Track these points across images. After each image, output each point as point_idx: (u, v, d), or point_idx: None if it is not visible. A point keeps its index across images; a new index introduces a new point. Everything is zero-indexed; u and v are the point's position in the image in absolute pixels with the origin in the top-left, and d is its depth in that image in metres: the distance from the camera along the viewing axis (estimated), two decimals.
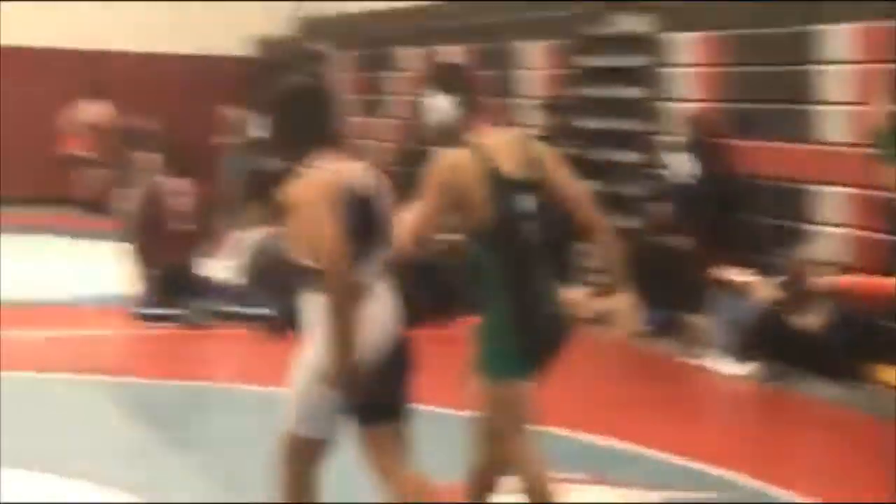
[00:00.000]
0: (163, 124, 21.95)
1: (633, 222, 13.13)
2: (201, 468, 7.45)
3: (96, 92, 22.10)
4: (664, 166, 12.90)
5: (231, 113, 21.16)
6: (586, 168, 14.71)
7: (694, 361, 11.21)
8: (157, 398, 9.33)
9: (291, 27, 23.25)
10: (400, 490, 5.07)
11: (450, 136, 5.48)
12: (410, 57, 19.04)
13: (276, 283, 11.47)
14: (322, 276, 4.81)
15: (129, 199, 12.86)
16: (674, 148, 12.80)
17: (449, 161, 5.35)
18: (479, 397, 5.46)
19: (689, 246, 12.03)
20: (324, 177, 4.93)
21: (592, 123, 14.87)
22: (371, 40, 20.05)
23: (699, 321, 11.68)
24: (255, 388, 9.50)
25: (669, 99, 13.71)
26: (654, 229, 12.70)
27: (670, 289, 12.11)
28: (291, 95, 5.18)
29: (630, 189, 14.08)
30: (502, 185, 5.33)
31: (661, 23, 13.97)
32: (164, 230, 12.22)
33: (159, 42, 22.70)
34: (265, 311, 11.84)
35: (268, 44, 23.72)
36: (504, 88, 16.42)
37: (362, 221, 4.93)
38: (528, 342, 5.38)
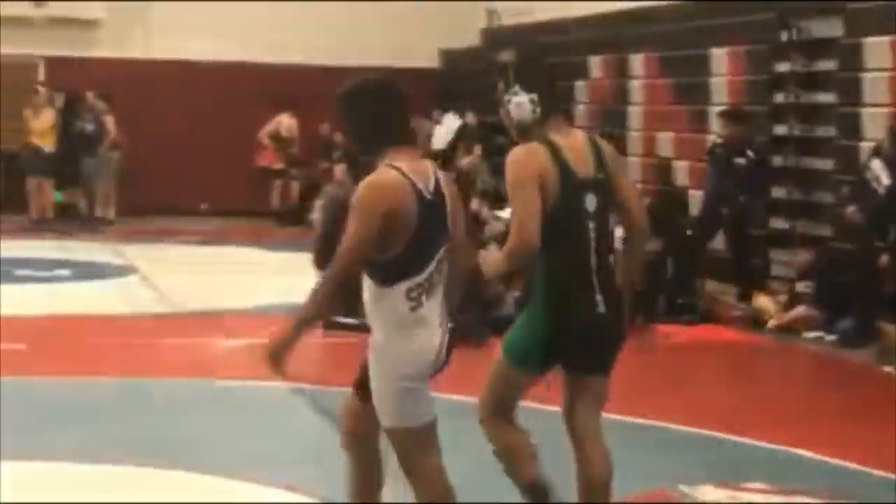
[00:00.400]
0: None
1: (824, 230, 12.90)
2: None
3: (290, 105, 22.53)
4: (859, 173, 12.65)
5: (417, 124, 21.34)
6: (777, 174, 14.61)
7: (890, 369, 10.98)
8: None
9: (479, 38, 23.38)
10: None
11: (527, 131, 5.62)
12: (600, 65, 19.00)
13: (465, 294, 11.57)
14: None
15: (320, 210, 13.05)
16: (869, 154, 12.54)
17: (526, 156, 5.50)
18: (493, 366, 5.71)
19: (884, 253, 11.79)
20: (381, 178, 5.06)
21: (783, 129, 14.67)
22: (559, 49, 20.03)
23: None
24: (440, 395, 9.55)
25: (863, 105, 13.44)
26: (846, 236, 12.47)
27: (865, 297, 11.90)
28: (361, 94, 5.30)
29: (822, 196, 13.84)
30: (570, 182, 5.49)
31: (853, 26, 13.71)
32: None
33: (348, 56, 23.01)
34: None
35: (453, 55, 23.89)
36: (695, 95, 16.29)
37: (421, 221, 5.03)
38: (556, 339, 5.52)
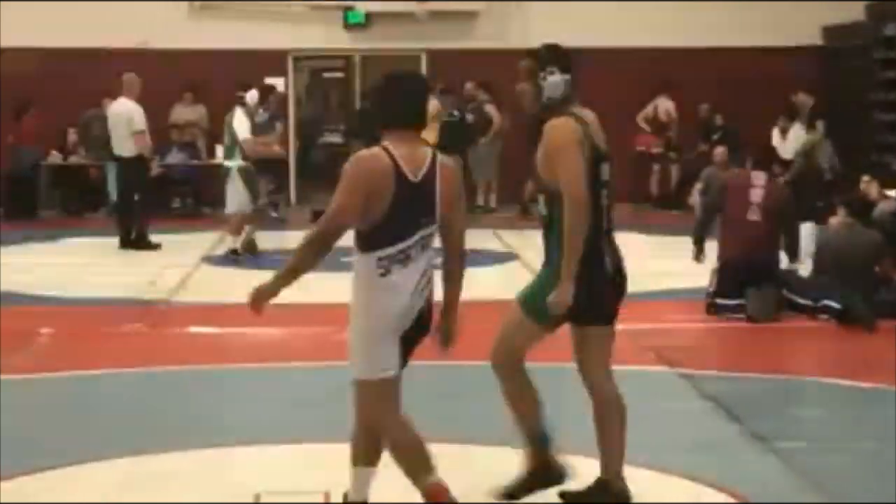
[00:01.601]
0: (731, 118, 22.07)
1: None
2: (784, 464, 7.33)
3: (667, 88, 22.41)
4: None
5: (800, 101, 20.91)
6: None
7: None
8: (736, 390, 9.26)
9: (863, 13, 22.64)
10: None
11: (553, 108, 6.37)
12: None
13: (851, 277, 11.27)
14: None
15: (701, 192, 12.92)
16: None
17: (570, 125, 6.27)
18: (513, 313, 6.38)
19: None
20: (365, 156, 5.75)
21: None
22: None
23: None
24: (838, 381, 9.34)
25: None
26: None
27: None
28: (382, 84, 5.98)
29: None
30: (594, 154, 6.26)
31: None
32: (734, 222, 12.14)
33: (727, 36, 22.70)
34: (835, 303, 11.63)
35: (836, 32, 23.20)
36: None
37: (403, 201, 5.70)
38: (575, 297, 6.16)
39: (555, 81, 6.40)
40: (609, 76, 22.44)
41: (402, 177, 5.72)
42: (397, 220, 5.73)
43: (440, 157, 5.87)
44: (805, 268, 12.69)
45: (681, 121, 22.57)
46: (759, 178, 12.31)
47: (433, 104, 16.71)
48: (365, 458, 6.04)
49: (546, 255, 6.47)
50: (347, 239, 5.83)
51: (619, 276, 6.45)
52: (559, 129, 6.23)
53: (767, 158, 13.18)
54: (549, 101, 6.36)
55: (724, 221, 12.29)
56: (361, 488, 6.05)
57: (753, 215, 12.09)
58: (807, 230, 13.72)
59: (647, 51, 22.71)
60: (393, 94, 5.87)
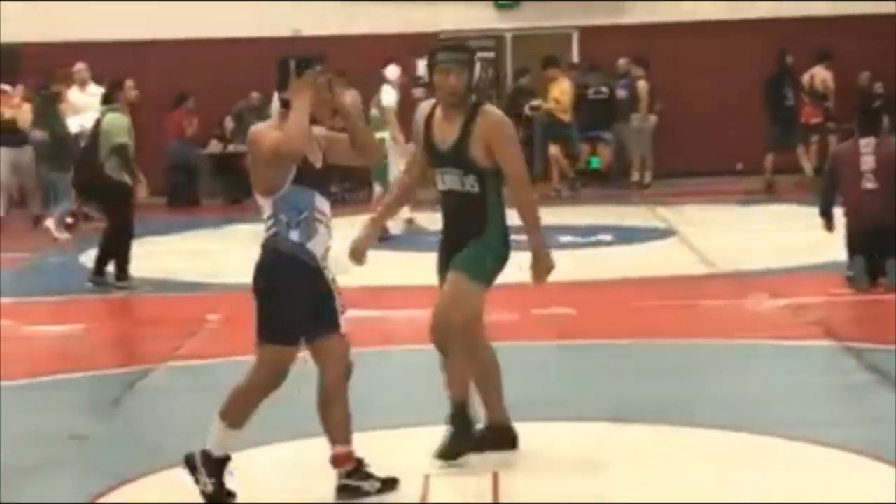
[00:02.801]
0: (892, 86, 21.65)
1: None
2: None
3: (822, 58, 22.05)
4: None
5: None
6: None
7: None
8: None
9: None
10: None
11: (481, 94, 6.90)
12: None
13: None
14: None
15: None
16: None
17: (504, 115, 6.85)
18: (462, 287, 6.62)
19: None
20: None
21: None
22: None
23: None
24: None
25: None
26: None
27: None
28: None
29: None
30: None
31: None
32: (850, 194, 11.87)
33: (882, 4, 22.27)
34: None
35: None
36: None
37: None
38: (505, 261, 6.76)
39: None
40: (760, 47, 22.19)
41: None
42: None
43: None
44: None
45: (838, 91, 22.19)
46: (867, 144, 12.03)
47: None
48: None
49: (465, 227, 6.69)
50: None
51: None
52: (505, 120, 6.76)
53: (873, 122, 12.76)
54: (478, 87, 6.80)
55: (842, 195, 12.05)
56: None
57: (868, 183, 11.84)
58: None
59: (798, 21, 22.35)
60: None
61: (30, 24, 22.00)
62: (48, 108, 18.30)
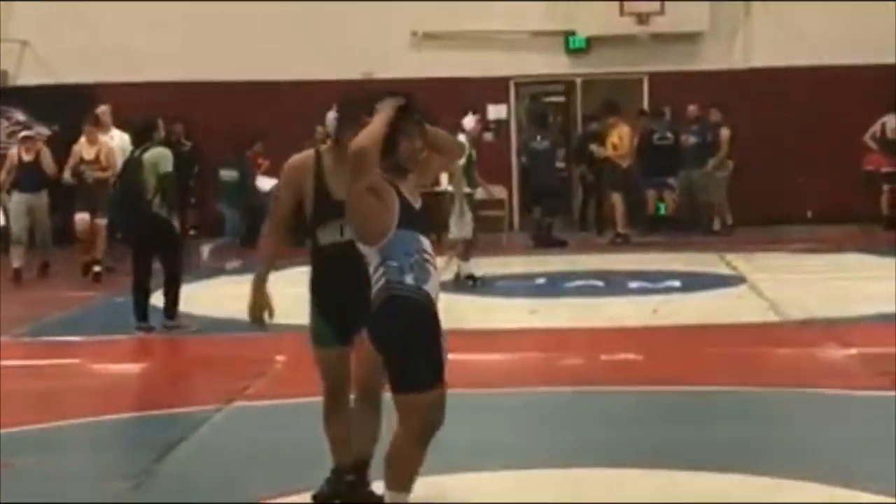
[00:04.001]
0: None
1: None
2: None
3: (894, 105, 21.88)
4: None
5: None
6: None
7: None
8: None
9: None
10: None
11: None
12: None
13: None
14: None
15: None
16: None
17: None
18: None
19: None
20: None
21: None
22: None
23: None
24: None
25: None
26: None
27: None
28: None
29: None
30: None
31: None
32: None
33: None
34: None
35: None
36: None
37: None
38: None
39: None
40: (833, 94, 22.07)
41: None
42: None
43: None
44: None
45: None
46: None
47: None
48: None
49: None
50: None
51: None
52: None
53: None
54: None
55: None
56: None
57: None
58: None
59: (872, 68, 22.20)
60: None
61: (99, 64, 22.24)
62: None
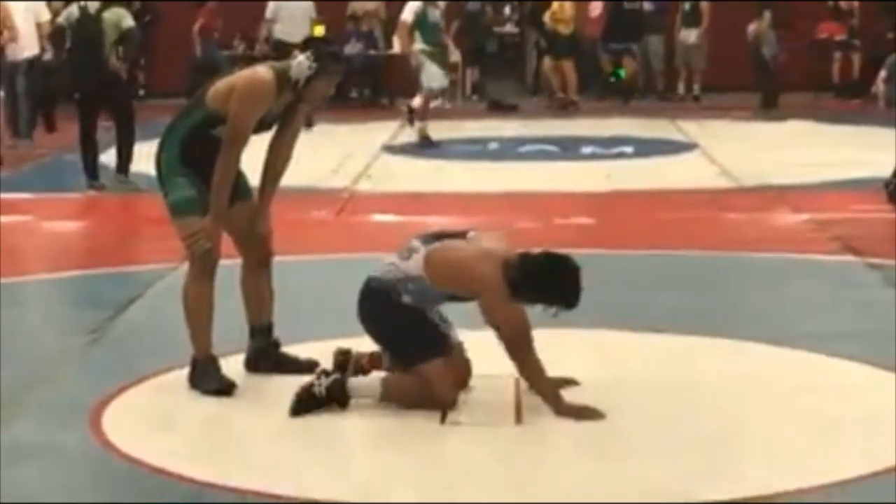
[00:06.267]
0: None
1: None
2: None
3: None
4: None
5: None
6: None
7: None
8: None
9: None
10: None
11: None
12: None
13: None
14: None
15: (884, 80, 12.57)
16: None
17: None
18: None
19: None
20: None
21: None
22: None
23: None
24: None
25: None
26: None
27: None
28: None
29: None
30: None
31: None
32: None
33: None
34: None
35: None
36: None
37: None
38: None
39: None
40: None
41: None
42: None
43: None
44: None
45: (863, 7, 21.97)
46: None
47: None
48: None
49: None
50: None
51: None
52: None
53: None
54: None
55: None
56: None
57: None
58: None
59: None
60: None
61: None
62: None
